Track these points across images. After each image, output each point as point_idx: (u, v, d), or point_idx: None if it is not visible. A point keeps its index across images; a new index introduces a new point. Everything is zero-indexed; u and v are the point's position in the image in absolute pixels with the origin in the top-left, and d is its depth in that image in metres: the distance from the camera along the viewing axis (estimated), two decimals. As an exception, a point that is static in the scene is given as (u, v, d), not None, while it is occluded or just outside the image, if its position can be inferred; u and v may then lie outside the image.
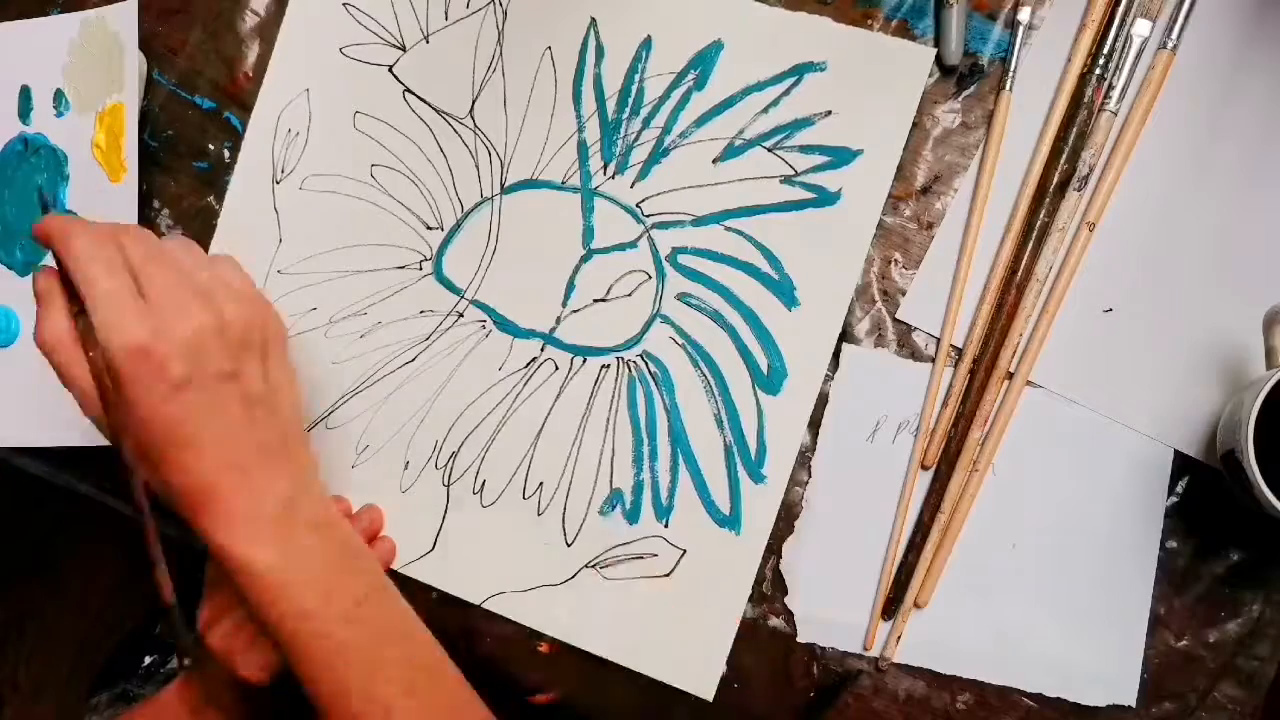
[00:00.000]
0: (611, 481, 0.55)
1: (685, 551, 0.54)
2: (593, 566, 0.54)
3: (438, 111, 0.58)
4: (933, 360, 0.53)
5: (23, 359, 0.61)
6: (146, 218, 0.60)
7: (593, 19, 0.57)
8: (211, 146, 0.61)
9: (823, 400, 0.53)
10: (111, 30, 0.59)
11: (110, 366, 0.41)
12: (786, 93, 0.54)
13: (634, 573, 0.54)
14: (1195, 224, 0.52)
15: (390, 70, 0.59)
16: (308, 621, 0.44)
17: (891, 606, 0.52)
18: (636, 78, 0.56)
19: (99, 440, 0.58)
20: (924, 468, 0.53)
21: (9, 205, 0.62)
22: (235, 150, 0.60)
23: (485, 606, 0.55)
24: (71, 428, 0.59)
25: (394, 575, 0.56)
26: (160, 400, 0.41)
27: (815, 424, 0.53)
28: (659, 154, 0.55)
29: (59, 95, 0.61)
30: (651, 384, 0.55)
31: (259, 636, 0.52)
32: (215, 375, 0.42)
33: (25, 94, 0.62)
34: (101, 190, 0.59)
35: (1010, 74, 0.53)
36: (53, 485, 0.63)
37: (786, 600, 0.53)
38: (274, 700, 0.55)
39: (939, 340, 0.53)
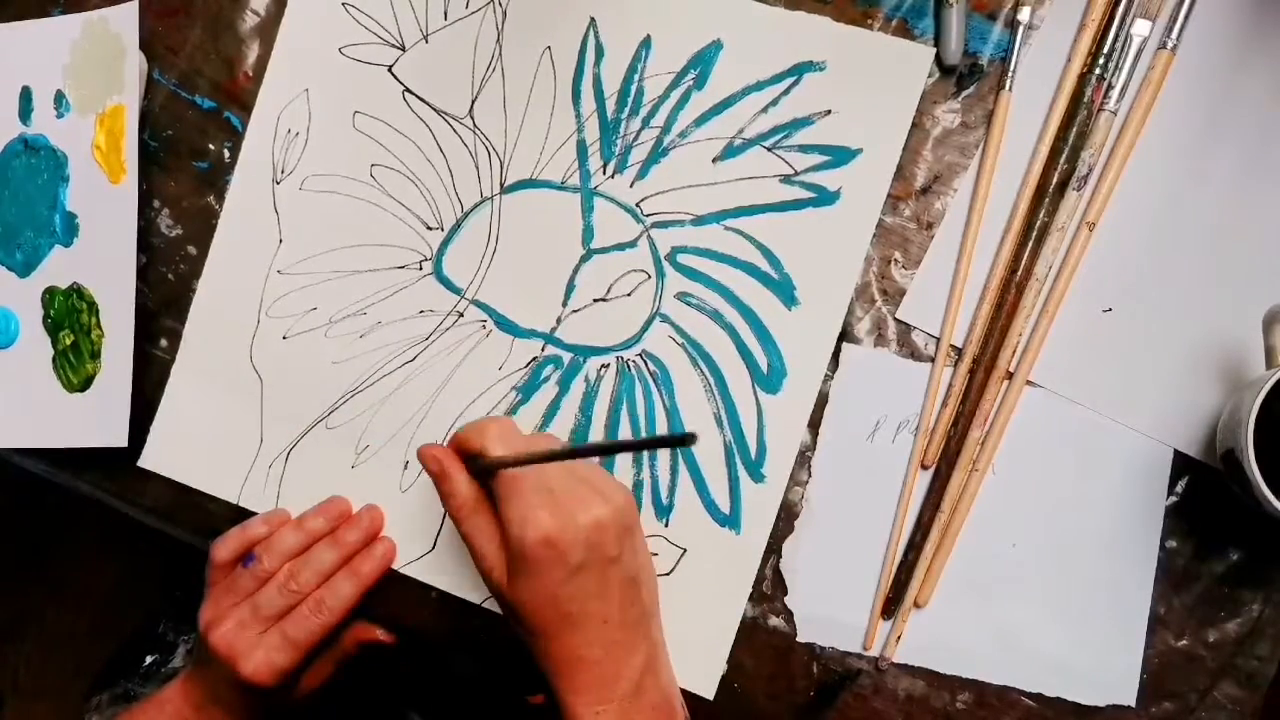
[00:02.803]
0: (611, 481, 0.55)
1: (685, 551, 0.54)
2: (593, 566, 0.54)
3: (437, 111, 0.58)
4: (932, 360, 0.53)
5: (21, 360, 0.61)
6: (147, 217, 0.60)
7: (592, 19, 0.57)
8: (211, 146, 0.61)
9: (823, 400, 0.53)
10: (113, 32, 0.59)
11: (521, 552, 0.45)
12: (786, 92, 0.54)
13: (634, 572, 0.54)
14: (1195, 224, 0.52)
15: (390, 70, 0.59)
16: None
17: (891, 606, 0.52)
18: (636, 77, 0.56)
19: (99, 442, 0.58)
20: (924, 467, 0.53)
21: (9, 207, 0.62)
22: (235, 150, 0.60)
23: (485, 606, 0.55)
24: (69, 428, 0.59)
25: (394, 575, 0.56)
26: (559, 583, 0.45)
27: (815, 423, 0.53)
28: (658, 153, 0.55)
29: (60, 96, 0.61)
30: (651, 383, 0.55)
31: (261, 637, 0.53)
32: (605, 560, 0.46)
33: (26, 95, 0.62)
34: (101, 192, 0.59)
35: (1010, 74, 0.53)
36: (53, 484, 0.63)
37: (786, 600, 0.53)
38: (278, 700, 0.55)
39: (939, 340, 0.53)
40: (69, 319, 0.60)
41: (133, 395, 0.57)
